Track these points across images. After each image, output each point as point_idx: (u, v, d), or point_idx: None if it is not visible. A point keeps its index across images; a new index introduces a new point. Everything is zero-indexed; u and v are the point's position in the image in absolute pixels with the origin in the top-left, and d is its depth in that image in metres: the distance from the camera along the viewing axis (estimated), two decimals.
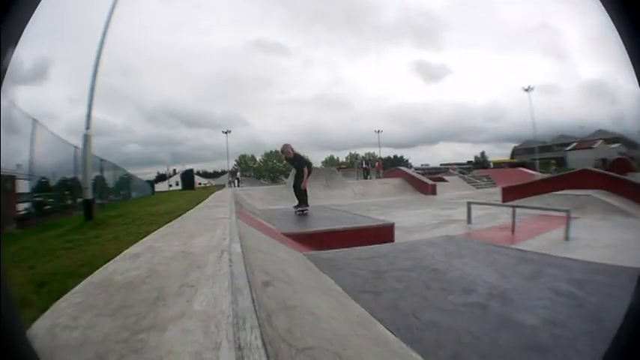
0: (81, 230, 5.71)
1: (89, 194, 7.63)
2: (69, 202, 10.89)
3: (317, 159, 70.51)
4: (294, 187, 9.28)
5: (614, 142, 46.97)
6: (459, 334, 2.27)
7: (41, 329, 1.20)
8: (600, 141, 47.87)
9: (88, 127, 7.72)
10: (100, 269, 1.82)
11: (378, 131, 53.42)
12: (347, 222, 8.59)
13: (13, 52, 0.69)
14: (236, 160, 65.06)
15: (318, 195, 21.19)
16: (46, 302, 1.51)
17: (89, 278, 1.68)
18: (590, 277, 3.38)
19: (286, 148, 8.91)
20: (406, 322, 2.38)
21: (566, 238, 8.91)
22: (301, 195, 9.07)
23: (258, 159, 70.60)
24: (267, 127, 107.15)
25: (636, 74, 0.71)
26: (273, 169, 66.25)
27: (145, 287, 1.45)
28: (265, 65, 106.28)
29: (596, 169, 16.92)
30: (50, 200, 10.22)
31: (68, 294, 1.54)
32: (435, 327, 2.36)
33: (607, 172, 17.21)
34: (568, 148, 51.32)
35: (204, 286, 1.38)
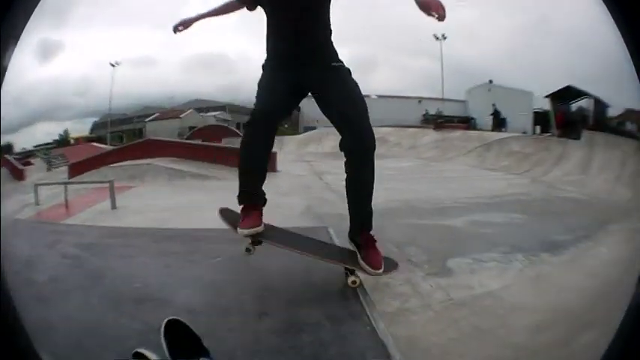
0: None
1: None
2: None
3: None
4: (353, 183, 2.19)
5: (215, 111, 51.46)
6: None
7: None
8: (190, 110, 51.28)
9: None
10: None
11: None
12: None
13: (13, 51, 0.74)
14: None
15: None
16: None
17: None
18: (100, 241, 3.64)
19: None
20: None
21: (114, 207, 9.05)
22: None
23: None
24: None
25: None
26: None
27: None
28: None
29: (159, 138, 17.27)
30: None
31: None
32: None
33: (171, 140, 17.83)
34: (148, 119, 51.39)
35: None
